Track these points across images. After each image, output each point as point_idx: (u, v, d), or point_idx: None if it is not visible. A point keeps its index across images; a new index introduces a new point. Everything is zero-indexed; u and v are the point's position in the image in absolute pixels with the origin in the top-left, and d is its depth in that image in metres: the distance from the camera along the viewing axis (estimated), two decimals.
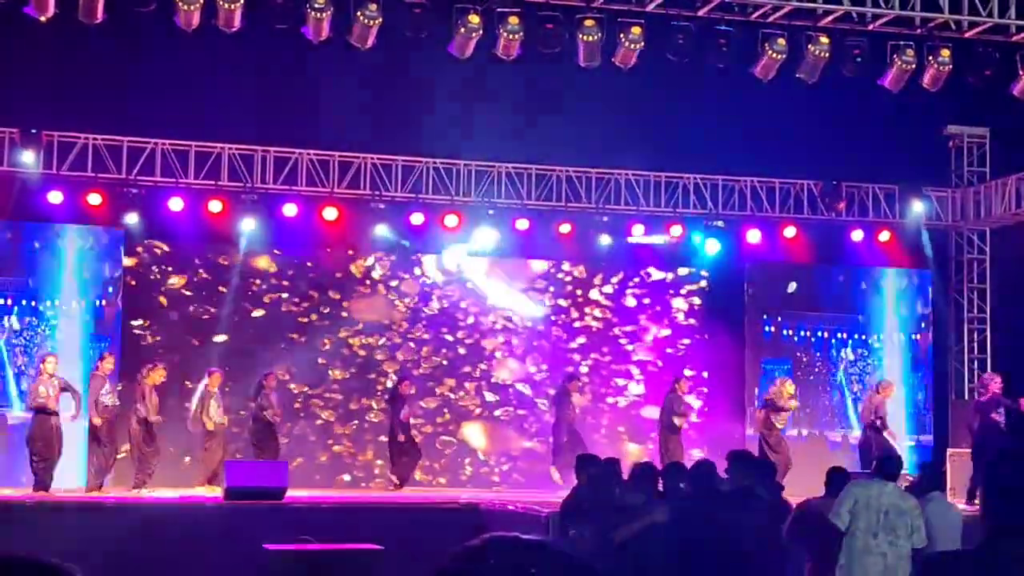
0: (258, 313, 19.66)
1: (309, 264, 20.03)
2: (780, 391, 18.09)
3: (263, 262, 19.77)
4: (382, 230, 19.71)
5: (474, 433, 20.48)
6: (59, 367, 16.54)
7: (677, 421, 18.14)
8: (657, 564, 7.43)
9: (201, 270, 19.53)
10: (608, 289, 21.10)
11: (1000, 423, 16.84)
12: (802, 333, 21.17)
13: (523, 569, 2.10)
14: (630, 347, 21.09)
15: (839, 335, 21.31)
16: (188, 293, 19.41)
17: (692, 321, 21.30)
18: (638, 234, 20.31)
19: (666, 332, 21.19)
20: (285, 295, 19.81)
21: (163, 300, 19.29)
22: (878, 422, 17.75)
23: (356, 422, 19.91)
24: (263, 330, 19.60)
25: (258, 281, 19.74)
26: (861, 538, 9.08)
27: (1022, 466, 3.51)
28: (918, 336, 21.62)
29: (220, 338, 19.29)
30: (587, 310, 21.00)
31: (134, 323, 19.05)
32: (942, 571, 3.65)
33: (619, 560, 8.21)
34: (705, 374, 20.98)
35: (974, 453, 16.69)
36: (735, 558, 8.27)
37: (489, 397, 20.54)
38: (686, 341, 21.20)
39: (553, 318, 20.89)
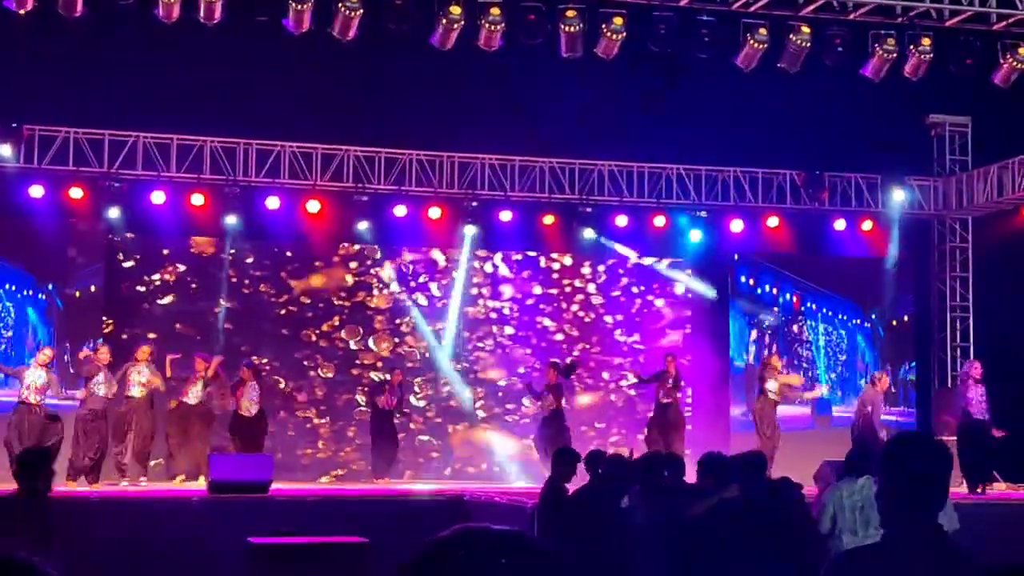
0: (239, 306, 19.60)
1: (289, 254, 19.98)
2: (771, 364, 18.03)
3: (245, 255, 19.72)
4: (364, 225, 19.68)
5: (460, 427, 20.44)
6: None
7: (666, 399, 18.20)
8: (725, 539, 7.46)
9: (183, 263, 19.47)
10: (598, 279, 21.10)
11: (984, 409, 16.82)
12: (786, 320, 21.24)
13: (494, 559, 2.10)
14: (621, 338, 21.10)
15: (824, 324, 21.36)
16: (170, 286, 19.35)
17: (673, 310, 21.32)
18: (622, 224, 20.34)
19: (652, 322, 21.20)
20: (267, 288, 19.77)
21: (145, 293, 19.22)
22: (869, 410, 17.71)
23: (333, 417, 19.85)
24: (244, 323, 19.54)
25: (240, 274, 19.68)
26: (843, 537, 9.32)
27: (923, 453, 3.57)
28: (897, 323, 21.69)
29: (201, 330, 19.23)
30: (577, 298, 21.00)
31: (116, 317, 18.97)
32: (850, 565, 3.66)
33: (686, 536, 8.31)
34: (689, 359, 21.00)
35: (958, 440, 16.67)
36: (800, 531, 8.45)
37: (475, 390, 20.51)
38: (674, 334, 21.20)
39: (542, 307, 20.88)
